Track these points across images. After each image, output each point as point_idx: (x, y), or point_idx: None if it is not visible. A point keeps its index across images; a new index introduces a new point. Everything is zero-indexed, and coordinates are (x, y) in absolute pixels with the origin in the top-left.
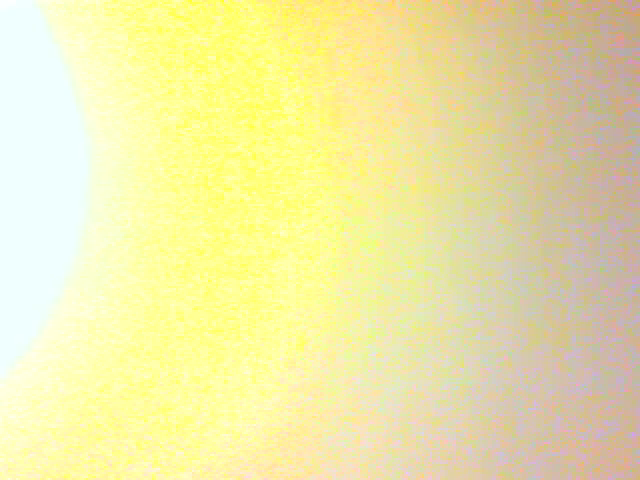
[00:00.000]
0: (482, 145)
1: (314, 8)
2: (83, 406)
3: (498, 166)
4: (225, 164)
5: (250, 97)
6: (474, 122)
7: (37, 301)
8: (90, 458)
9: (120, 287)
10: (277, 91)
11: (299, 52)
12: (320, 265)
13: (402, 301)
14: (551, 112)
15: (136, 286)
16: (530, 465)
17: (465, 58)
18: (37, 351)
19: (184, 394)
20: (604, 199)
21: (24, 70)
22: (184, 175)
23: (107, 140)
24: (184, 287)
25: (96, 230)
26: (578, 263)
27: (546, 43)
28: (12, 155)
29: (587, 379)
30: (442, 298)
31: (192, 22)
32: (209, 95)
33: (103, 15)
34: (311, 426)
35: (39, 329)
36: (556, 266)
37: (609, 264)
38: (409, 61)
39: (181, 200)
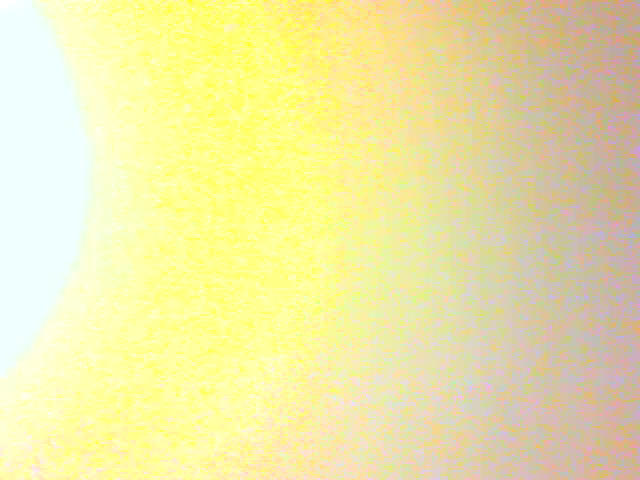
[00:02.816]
0: (482, 145)
1: (314, 8)
2: (83, 406)
3: (498, 166)
4: (224, 164)
5: (249, 97)
6: (474, 122)
7: (37, 300)
8: (90, 458)
9: (120, 287)
10: (276, 92)
11: (299, 52)
12: (320, 266)
13: (402, 301)
14: (551, 112)
15: (136, 286)
16: (530, 464)
17: (465, 58)
18: (37, 350)
19: (184, 394)
20: (604, 199)
21: (24, 70)
22: (183, 176)
23: (107, 140)
24: (184, 287)
25: (96, 230)
26: (578, 263)
27: (546, 43)
28: (12, 155)
29: (587, 378)
30: (442, 298)
31: (192, 22)
32: (208, 95)
33: (103, 15)
34: (311, 426)
35: (39, 329)
36: (556, 266)
37: (609, 264)
38: (409, 61)
39: (180, 201)
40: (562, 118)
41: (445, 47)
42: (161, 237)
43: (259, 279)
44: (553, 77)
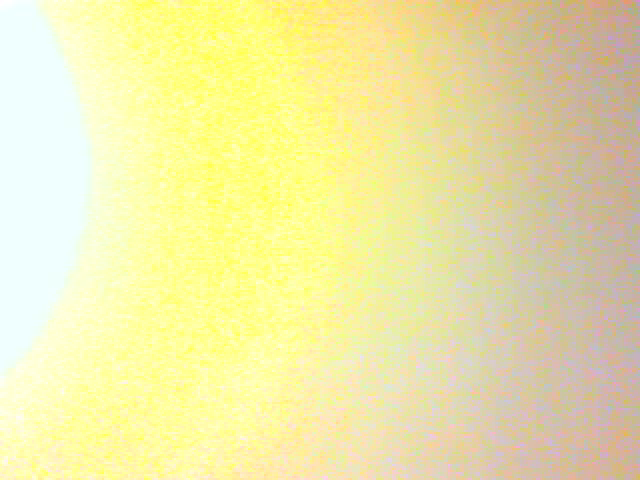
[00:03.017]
0: (482, 145)
1: (314, 9)
2: (83, 406)
3: (498, 166)
4: (225, 164)
5: (250, 98)
6: (474, 122)
7: (37, 300)
8: (90, 458)
9: (120, 288)
10: (277, 92)
11: (299, 53)
12: (320, 266)
13: (402, 301)
14: (551, 112)
15: (136, 286)
16: (530, 463)
17: (465, 58)
18: (37, 350)
19: (184, 395)
20: (604, 199)
21: (24, 70)
22: (184, 176)
23: (107, 140)
24: (184, 288)
25: (96, 230)
26: (578, 262)
27: (546, 43)
28: (12, 155)
29: (586, 377)
30: (443, 298)
31: (192, 23)
32: (209, 95)
33: (103, 15)
34: (311, 426)
35: (39, 329)
36: (556, 265)
37: (609, 264)
38: (409, 61)
39: (181, 201)
40: (562, 118)
41: (445, 47)
42: (161, 237)
43: (259, 279)
44: (553, 77)
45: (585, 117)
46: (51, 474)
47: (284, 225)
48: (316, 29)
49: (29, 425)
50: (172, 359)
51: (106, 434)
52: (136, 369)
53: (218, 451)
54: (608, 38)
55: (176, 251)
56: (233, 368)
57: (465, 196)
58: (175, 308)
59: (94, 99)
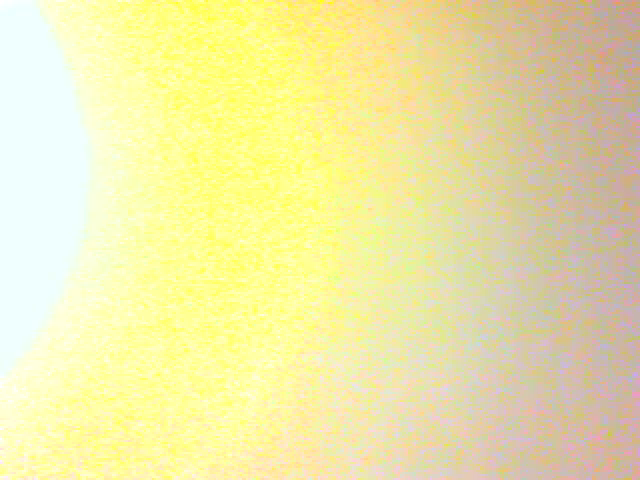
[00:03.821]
0: (482, 145)
1: (314, 8)
2: (83, 406)
3: (498, 166)
4: (224, 164)
5: (249, 97)
6: (474, 122)
7: (37, 299)
8: (90, 457)
9: (120, 288)
10: (276, 92)
11: (299, 52)
12: (319, 266)
13: (401, 301)
14: (551, 112)
15: (136, 286)
16: (531, 463)
17: (465, 58)
18: (37, 350)
19: (184, 395)
20: (604, 199)
21: (24, 70)
22: (183, 175)
23: (107, 140)
24: (184, 288)
25: (96, 230)
26: (578, 261)
27: (546, 43)
28: (12, 155)
29: (586, 377)
30: (442, 298)
31: (192, 22)
32: (208, 95)
33: (103, 15)
34: (311, 426)
35: (39, 329)
36: (556, 265)
37: (609, 263)
38: (409, 61)
39: (180, 201)
40: (563, 118)
41: (445, 47)
42: (161, 237)
43: (259, 280)
44: (553, 77)
45: (585, 117)
46: (51, 474)
47: (283, 224)
48: (316, 29)
49: (29, 425)
50: (172, 359)
51: (106, 434)
52: (136, 369)
53: (218, 451)
54: (608, 38)
55: (176, 251)
56: (233, 368)
57: (465, 196)
58: (175, 308)
59: (94, 99)
